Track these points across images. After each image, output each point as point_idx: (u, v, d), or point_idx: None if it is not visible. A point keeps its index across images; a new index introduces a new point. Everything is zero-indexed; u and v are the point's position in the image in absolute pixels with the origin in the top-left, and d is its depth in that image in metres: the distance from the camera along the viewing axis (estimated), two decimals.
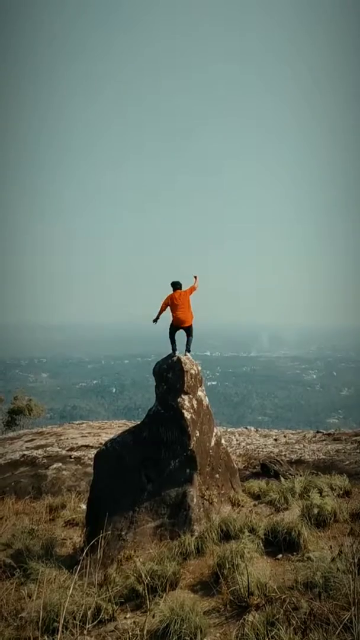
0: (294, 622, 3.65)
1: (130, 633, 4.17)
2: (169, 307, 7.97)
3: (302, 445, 12.67)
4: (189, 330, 8.06)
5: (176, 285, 8.07)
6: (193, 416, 7.29)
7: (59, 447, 14.26)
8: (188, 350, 8.09)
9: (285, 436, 14.57)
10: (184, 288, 8.11)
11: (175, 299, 7.92)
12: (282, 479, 8.30)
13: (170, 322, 8.01)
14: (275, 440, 14.04)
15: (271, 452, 12.07)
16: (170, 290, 8.05)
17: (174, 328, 8.03)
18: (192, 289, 8.15)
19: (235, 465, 8.24)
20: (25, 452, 13.93)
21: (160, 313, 8.03)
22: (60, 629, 2.89)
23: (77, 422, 19.77)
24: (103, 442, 11.48)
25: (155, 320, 8.13)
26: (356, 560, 4.25)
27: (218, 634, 4.11)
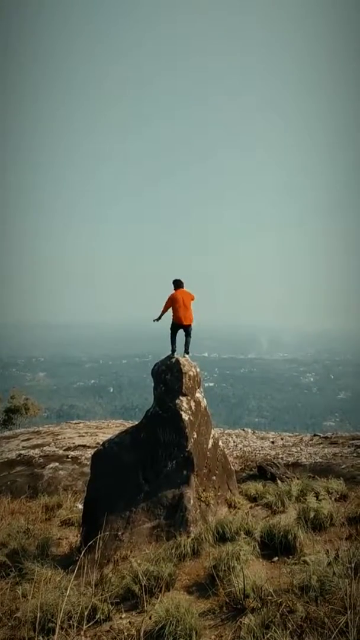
0: (290, 625, 3.66)
1: (126, 633, 4.17)
2: (170, 307, 8.02)
3: (299, 448, 12.67)
4: (188, 330, 8.09)
5: (179, 284, 8.12)
6: (191, 418, 7.30)
7: (56, 447, 14.24)
8: (187, 351, 8.11)
9: (282, 439, 14.57)
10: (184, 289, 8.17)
11: (179, 298, 7.96)
12: (278, 481, 8.31)
13: (172, 321, 8.02)
14: (272, 442, 14.05)
15: (268, 454, 12.08)
16: (171, 288, 8.12)
17: (175, 327, 8.04)
18: (193, 297, 8.23)
19: (232, 467, 8.24)
20: (22, 452, 13.90)
21: (163, 312, 8.04)
22: (57, 629, 2.89)
23: (74, 422, 19.74)
24: (100, 442, 11.46)
25: (157, 319, 8.14)
26: (353, 565, 4.25)
27: (213, 636, 4.11)
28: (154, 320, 8.16)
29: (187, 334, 8.11)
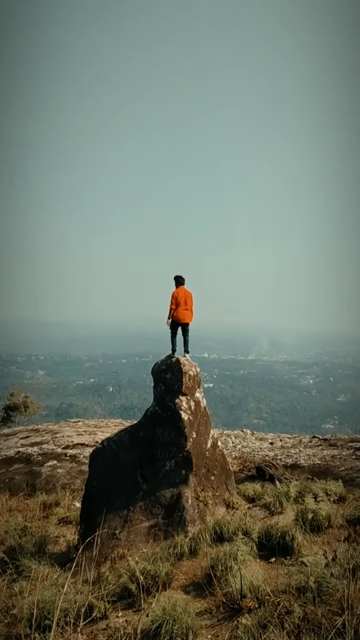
0: (287, 625, 3.65)
1: (122, 632, 4.17)
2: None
3: (297, 450, 12.66)
4: (186, 328, 8.07)
5: (180, 281, 8.01)
6: (190, 417, 7.28)
7: (55, 445, 14.23)
8: (187, 350, 8.08)
9: (281, 440, 14.56)
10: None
11: (182, 296, 7.88)
12: (277, 482, 8.29)
13: (172, 319, 7.91)
14: (271, 443, 14.04)
15: (267, 455, 12.07)
16: (172, 285, 8.02)
17: (175, 325, 7.97)
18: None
19: (230, 468, 8.23)
20: (20, 449, 13.90)
21: (171, 312, 7.87)
22: (53, 626, 2.89)
23: (73, 420, 19.73)
24: (99, 440, 11.46)
25: (168, 322, 7.94)
26: (351, 567, 4.24)
27: (210, 636, 4.11)
28: (167, 323, 7.95)
29: (185, 333, 8.07)
